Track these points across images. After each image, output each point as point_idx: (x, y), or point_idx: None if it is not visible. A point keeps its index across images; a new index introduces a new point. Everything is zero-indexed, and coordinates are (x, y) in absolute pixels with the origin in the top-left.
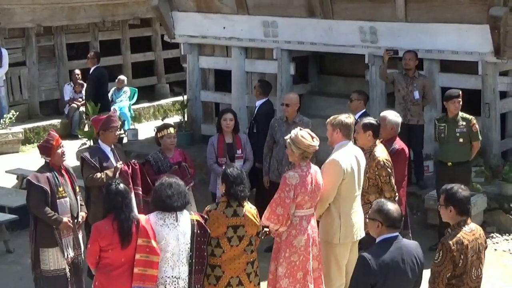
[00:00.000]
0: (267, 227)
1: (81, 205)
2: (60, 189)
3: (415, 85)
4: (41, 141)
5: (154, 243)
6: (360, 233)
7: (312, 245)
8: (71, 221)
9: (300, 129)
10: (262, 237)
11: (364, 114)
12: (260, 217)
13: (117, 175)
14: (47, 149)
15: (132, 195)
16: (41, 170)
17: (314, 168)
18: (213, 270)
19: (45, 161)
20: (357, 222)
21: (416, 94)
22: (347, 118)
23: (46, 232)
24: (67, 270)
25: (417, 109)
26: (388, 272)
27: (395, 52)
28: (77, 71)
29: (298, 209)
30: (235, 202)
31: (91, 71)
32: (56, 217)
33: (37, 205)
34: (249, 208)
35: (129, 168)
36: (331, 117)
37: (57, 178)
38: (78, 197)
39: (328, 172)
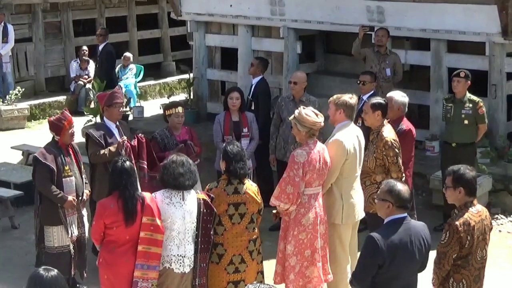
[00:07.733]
0: (276, 208)
1: (85, 183)
2: (66, 168)
3: (387, 62)
4: (54, 116)
5: (158, 221)
6: (360, 214)
7: (320, 223)
8: (76, 200)
9: (304, 108)
10: (274, 220)
11: (373, 94)
12: (261, 195)
13: (122, 151)
14: (58, 128)
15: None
16: (48, 147)
17: (321, 146)
18: (215, 248)
19: (53, 138)
20: (358, 203)
21: (388, 71)
22: (351, 98)
23: (50, 210)
24: (71, 247)
25: (388, 86)
26: (396, 253)
27: (370, 29)
28: (85, 48)
29: (307, 187)
30: (235, 180)
31: (101, 48)
32: (62, 195)
33: (42, 183)
34: (250, 186)
35: (135, 142)
36: (335, 96)
37: (63, 157)
38: (83, 176)
39: (331, 152)
